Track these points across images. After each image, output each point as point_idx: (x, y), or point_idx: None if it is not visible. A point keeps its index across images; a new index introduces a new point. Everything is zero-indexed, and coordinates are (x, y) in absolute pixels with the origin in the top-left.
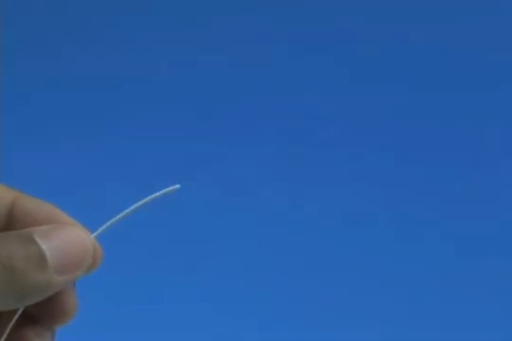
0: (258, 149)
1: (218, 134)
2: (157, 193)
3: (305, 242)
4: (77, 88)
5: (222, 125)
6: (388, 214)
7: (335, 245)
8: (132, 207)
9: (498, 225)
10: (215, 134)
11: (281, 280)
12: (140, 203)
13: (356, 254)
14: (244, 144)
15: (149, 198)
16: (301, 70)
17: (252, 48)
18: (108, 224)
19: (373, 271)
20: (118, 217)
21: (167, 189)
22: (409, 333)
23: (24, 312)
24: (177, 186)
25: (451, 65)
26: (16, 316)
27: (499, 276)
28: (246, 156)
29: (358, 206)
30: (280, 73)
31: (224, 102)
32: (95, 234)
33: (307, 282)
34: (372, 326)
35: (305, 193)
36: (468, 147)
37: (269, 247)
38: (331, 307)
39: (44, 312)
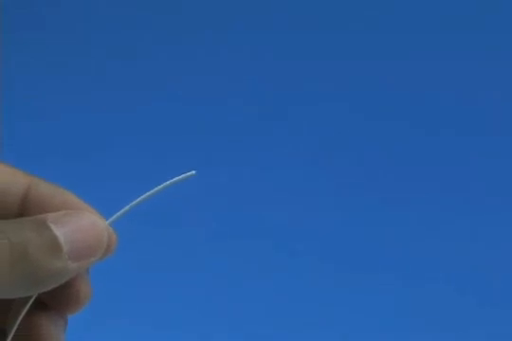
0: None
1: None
2: (173, 180)
3: (311, 242)
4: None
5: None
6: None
7: (339, 247)
8: (147, 194)
9: None
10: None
11: (285, 280)
12: (156, 189)
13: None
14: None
15: (164, 184)
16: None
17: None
18: (123, 210)
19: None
20: (133, 203)
21: (183, 176)
22: None
23: (36, 299)
24: (193, 172)
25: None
26: (29, 303)
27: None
28: (251, 157)
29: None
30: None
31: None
32: (110, 220)
33: (311, 283)
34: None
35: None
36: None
37: (273, 246)
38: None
39: (57, 299)
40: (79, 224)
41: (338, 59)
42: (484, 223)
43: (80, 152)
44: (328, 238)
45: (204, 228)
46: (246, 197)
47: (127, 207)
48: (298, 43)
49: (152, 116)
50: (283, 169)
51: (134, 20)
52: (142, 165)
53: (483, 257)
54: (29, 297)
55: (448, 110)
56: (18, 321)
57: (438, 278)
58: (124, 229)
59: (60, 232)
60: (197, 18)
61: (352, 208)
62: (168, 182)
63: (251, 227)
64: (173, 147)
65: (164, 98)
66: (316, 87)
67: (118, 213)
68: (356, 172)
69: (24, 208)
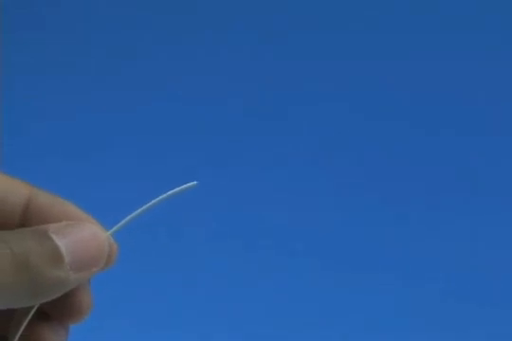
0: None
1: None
2: (174, 190)
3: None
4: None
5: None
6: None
7: (339, 247)
8: (148, 204)
9: None
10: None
11: (285, 280)
12: (157, 200)
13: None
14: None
15: (166, 195)
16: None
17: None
18: (124, 221)
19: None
20: (134, 214)
21: (184, 186)
22: None
23: (38, 308)
24: (195, 182)
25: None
26: (31, 314)
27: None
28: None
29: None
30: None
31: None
32: (111, 231)
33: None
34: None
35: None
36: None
37: (270, 247)
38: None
39: (58, 309)
40: (80, 234)
41: (338, 59)
42: (484, 223)
43: (80, 152)
44: (328, 238)
45: (204, 228)
46: (246, 197)
47: (128, 218)
48: (298, 43)
49: (152, 116)
50: (283, 169)
51: (134, 20)
52: (142, 165)
53: (483, 257)
54: (31, 307)
55: (448, 110)
56: (20, 331)
57: (438, 278)
58: (124, 230)
59: (61, 243)
60: (197, 18)
61: (352, 208)
62: (169, 192)
63: (251, 227)
64: (173, 147)
65: (164, 98)
66: (316, 87)
67: (120, 224)
68: (356, 172)
69: (25, 219)
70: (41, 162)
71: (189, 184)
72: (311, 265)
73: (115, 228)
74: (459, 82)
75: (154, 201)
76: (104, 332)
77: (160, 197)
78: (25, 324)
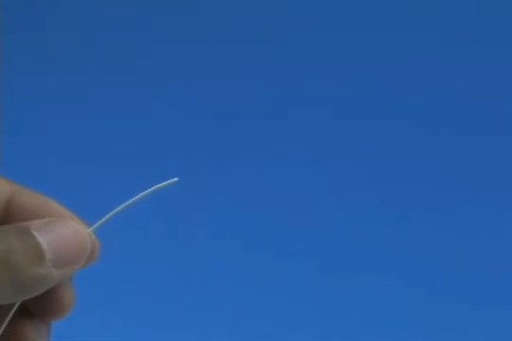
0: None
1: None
2: (156, 186)
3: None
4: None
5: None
6: None
7: (340, 245)
8: (130, 201)
9: None
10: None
11: (285, 280)
12: (138, 196)
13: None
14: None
15: (147, 191)
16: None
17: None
18: (106, 217)
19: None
20: (115, 210)
21: (165, 183)
22: None
23: (20, 305)
24: (176, 179)
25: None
26: (13, 310)
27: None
28: (247, 157)
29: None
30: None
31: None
32: (93, 228)
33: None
34: None
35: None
36: None
37: (270, 247)
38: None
39: (40, 306)
40: (62, 231)
41: (337, 59)
42: (484, 223)
43: (80, 152)
44: (328, 238)
45: (204, 228)
46: (245, 197)
47: (109, 215)
48: (298, 43)
49: (152, 116)
50: (283, 168)
51: (134, 20)
52: (142, 165)
53: (483, 257)
54: (14, 304)
55: (448, 110)
56: (2, 328)
57: (438, 278)
58: (124, 229)
59: (43, 239)
60: (197, 18)
61: (352, 208)
62: (150, 189)
63: (251, 227)
64: (173, 147)
65: (164, 98)
66: (316, 87)
67: (101, 221)
68: (356, 172)
69: (7, 216)
70: (41, 162)
71: (170, 180)
72: (311, 265)
73: (97, 225)
74: (459, 82)
75: (135, 197)
76: (104, 332)
77: (142, 194)
78: (7, 321)
